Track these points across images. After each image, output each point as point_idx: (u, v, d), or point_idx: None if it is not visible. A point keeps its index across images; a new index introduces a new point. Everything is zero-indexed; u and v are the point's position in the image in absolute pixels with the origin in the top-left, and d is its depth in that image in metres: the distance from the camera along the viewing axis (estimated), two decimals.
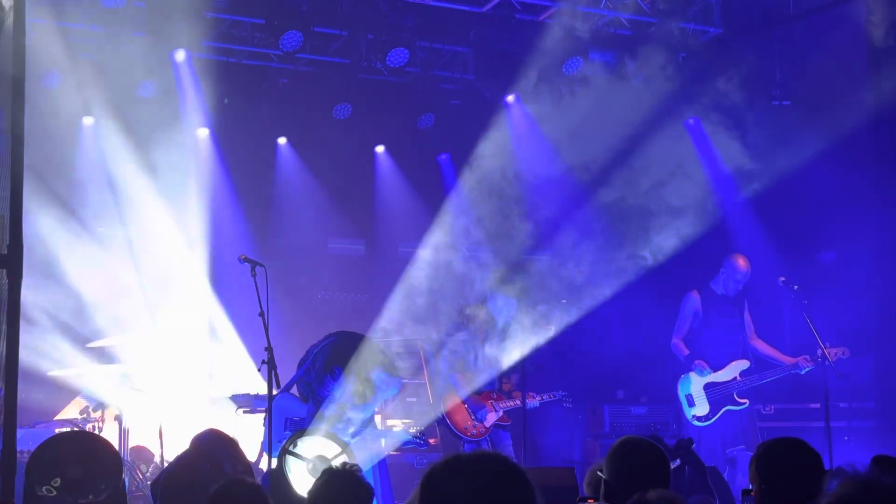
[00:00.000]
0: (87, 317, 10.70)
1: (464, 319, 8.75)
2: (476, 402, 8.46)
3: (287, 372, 7.89)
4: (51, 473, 5.80)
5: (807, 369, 8.69)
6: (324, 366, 7.77)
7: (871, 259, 9.90)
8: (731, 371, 8.76)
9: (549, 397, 8.80)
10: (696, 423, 8.75)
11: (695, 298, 8.94)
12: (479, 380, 8.56)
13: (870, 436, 9.58)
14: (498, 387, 8.71)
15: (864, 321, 9.77)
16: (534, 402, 8.63)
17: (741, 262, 8.87)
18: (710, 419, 8.71)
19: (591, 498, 4.54)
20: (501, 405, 8.54)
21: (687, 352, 8.85)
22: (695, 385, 8.79)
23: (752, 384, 8.74)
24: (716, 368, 8.80)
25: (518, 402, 8.51)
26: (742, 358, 8.82)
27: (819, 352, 8.44)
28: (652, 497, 2.93)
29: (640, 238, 11.57)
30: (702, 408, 8.74)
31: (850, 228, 10.01)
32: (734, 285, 8.89)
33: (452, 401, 8.45)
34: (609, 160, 11.69)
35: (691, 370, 8.81)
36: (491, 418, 8.49)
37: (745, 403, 8.69)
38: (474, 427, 8.38)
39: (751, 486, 3.90)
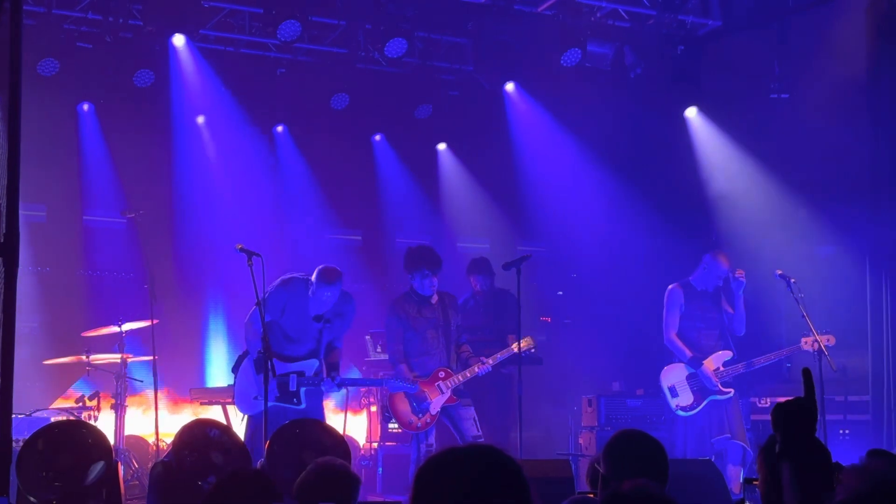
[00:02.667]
0: (85, 305, 10.71)
1: (392, 302, 8.46)
2: (419, 394, 8.11)
3: None
4: (38, 470, 5.79)
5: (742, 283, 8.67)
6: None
7: (868, 253, 9.91)
8: (714, 361, 8.78)
9: (502, 354, 8.28)
10: (681, 412, 8.78)
11: (678, 292, 8.95)
12: (427, 361, 8.19)
13: (866, 429, 9.61)
14: (449, 361, 8.22)
15: (861, 315, 9.79)
16: (485, 367, 8.18)
17: (722, 259, 8.88)
18: (695, 409, 8.73)
19: (591, 493, 4.53)
20: (449, 384, 8.11)
21: (690, 354, 8.74)
22: (677, 375, 8.82)
23: (735, 374, 8.76)
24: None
25: (471, 373, 8.14)
26: (724, 349, 8.84)
27: (814, 343, 8.47)
28: (627, 489, 2.90)
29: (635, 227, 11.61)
30: (685, 398, 8.77)
31: (848, 223, 10.02)
32: (714, 281, 8.91)
33: (396, 395, 8.21)
34: (606, 154, 11.71)
35: (683, 363, 8.80)
36: (437, 404, 8.11)
37: (729, 393, 8.71)
38: (418, 420, 8.10)
39: (755, 476, 3.88)
